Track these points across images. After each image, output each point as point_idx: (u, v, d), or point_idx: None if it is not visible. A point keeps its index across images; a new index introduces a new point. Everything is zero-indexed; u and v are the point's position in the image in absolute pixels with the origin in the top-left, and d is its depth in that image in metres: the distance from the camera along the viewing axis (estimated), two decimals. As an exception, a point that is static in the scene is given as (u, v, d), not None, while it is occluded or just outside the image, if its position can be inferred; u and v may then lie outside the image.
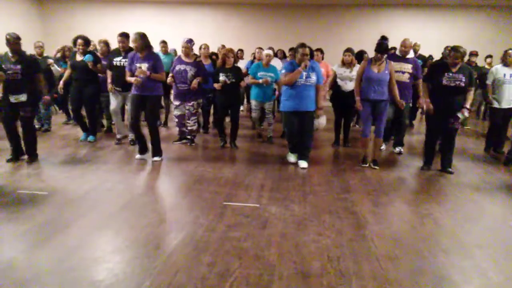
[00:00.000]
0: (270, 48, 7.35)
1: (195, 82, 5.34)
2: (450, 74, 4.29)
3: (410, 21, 11.73)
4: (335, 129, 6.05)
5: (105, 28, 10.59)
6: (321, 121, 4.82)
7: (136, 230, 2.90)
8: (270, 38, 11.28)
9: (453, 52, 4.26)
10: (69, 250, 2.57)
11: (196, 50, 7.06)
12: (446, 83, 4.29)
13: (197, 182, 4.06)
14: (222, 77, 5.27)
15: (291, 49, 6.86)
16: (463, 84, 4.28)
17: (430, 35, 10.99)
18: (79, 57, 5.66)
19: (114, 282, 2.21)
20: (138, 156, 4.91)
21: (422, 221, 3.19)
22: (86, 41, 5.72)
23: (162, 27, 11.61)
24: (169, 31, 10.45)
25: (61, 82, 6.00)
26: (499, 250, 2.72)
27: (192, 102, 5.57)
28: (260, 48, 6.56)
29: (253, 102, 5.96)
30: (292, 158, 4.88)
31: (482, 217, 3.34)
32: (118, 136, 5.78)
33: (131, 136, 5.66)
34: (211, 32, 11.66)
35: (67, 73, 5.97)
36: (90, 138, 5.87)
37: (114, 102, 5.61)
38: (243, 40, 10.75)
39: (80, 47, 5.62)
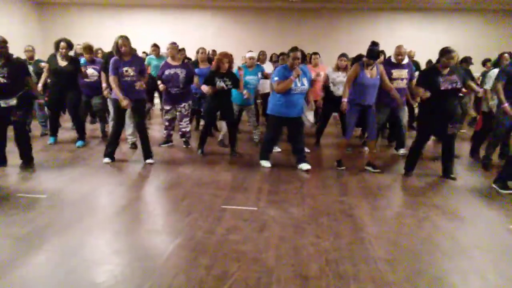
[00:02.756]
0: (261, 51, 7.33)
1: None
2: (445, 77, 4.16)
3: (406, 25, 11.85)
4: (316, 132, 6.12)
5: (104, 32, 10.60)
6: (309, 117, 4.83)
7: (135, 233, 2.91)
8: (269, 42, 11.32)
9: (447, 53, 4.11)
10: (69, 252, 2.57)
11: (190, 54, 7.00)
12: (444, 87, 4.14)
13: (195, 185, 4.07)
14: (219, 83, 5.01)
15: (281, 54, 6.70)
16: (460, 85, 4.17)
17: (426, 39, 11.04)
18: (62, 62, 5.49)
19: (113, 284, 2.21)
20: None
21: (420, 224, 3.20)
22: (70, 45, 5.57)
23: (161, 31, 11.65)
24: (169, 35, 10.47)
25: (40, 85, 5.60)
26: (498, 252, 2.73)
27: (183, 104, 5.54)
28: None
29: (233, 106, 5.73)
30: (266, 163, 4.79)
31: (480, 220, 3.35)
32: (131, 140, 5.63)
33: (131, 139, 5.62)
34: (211, 36, 11.73)
35: (44, 76, 5.67)
36: (79, 143, 5.72)
37: None
38: (243, 44, 10.78)
39: (63, 50, 5.46)
